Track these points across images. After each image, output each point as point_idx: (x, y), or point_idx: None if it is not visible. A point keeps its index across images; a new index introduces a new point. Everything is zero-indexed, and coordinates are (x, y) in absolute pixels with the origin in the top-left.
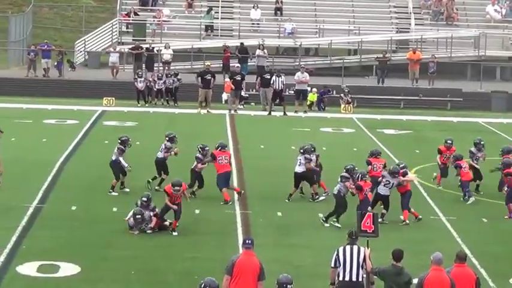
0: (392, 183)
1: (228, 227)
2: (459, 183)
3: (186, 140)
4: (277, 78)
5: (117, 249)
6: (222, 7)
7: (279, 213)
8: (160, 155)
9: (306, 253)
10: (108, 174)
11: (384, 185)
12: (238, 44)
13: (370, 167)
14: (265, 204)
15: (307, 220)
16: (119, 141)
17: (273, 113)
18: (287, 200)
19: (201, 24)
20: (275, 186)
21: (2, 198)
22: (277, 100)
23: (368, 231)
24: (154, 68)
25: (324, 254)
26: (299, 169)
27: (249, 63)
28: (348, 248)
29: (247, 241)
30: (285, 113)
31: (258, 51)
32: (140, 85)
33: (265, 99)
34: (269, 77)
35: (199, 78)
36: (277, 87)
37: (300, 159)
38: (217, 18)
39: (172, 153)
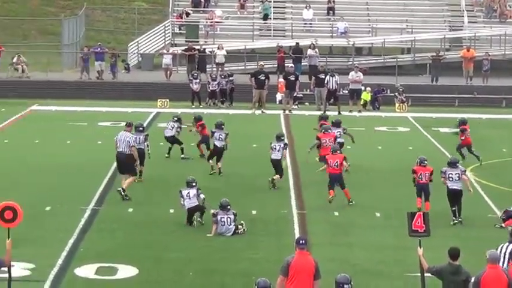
0: (457, 174)
1: (284, 227)
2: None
3: (240, 140)
4: (331, 78)
5: (175, 251)
6: (274, 7)
7: (336, 213)
8: (169, 132)
9: (363, 252)
10: (165, 176)
11: (453, 180)
12: (292, 44)
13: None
14: (321, 204)
15: (364, 219)
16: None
17: (327, 113)
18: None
19: (254, 24)
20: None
21: (59, 201)
22: (332, 100)
23: (419, 230)
24: (207, 69)
25: (382, 252)
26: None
27: (302, 63)
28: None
29: (301, 241)
30: (339, 113)
31: (309, 51)
32: (195, 86)
33: (320, 99)
34: (323, 76)
35: (253, 79)
36: (331, 87)
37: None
38: (270, 18)
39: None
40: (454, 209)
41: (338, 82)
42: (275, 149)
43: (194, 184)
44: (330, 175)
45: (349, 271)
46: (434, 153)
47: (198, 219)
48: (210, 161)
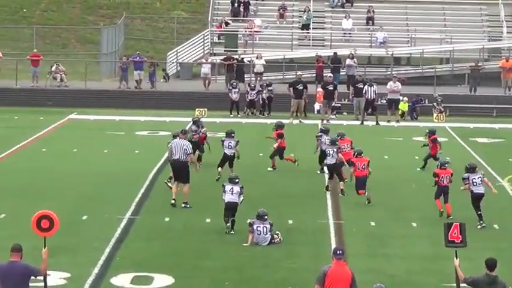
0: (479, 178)
1: (321, 237)
2: None
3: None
4: (369, 87)
5: (211, 260)
6: (313, 17)
7: (372, 223)
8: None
9: (400, 262)
10: (200, 186)
11: (477, 185)
12: (330, 54)
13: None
14: (358, 214)
15: (401, 229)
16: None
17: (365, 123)
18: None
19: (293, 34)
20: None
21: (95, 210)
22: (370, 110)
23: (456, 241)
24: (246, 79)
25: (418, 263)
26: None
27: (340, 73)
28: None
29: (338, 251)
30: (377, 123)
31: (348, 61)
32: (234, 96)
33: (358, 109)
34: (362, 86)
35: (291, 89)
36: (369, 97)
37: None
38: (310, 27)
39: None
40: (480, 213)
41: (376, 92)
42: (231, 146)
43: (237, 181)
44: (358, 178)
45: (386, 282)
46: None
47: (228, 224)
48: (219, 168)
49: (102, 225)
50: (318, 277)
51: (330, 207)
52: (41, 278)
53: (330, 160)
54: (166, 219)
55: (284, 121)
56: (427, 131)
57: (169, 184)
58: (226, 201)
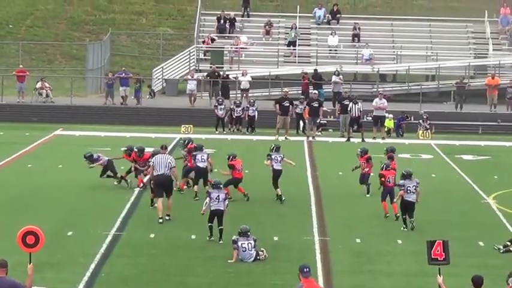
0: (413, 186)
1: (306, 254)
2: None
3: (264, 166)
4: (354, 105)
5: (196, 276)
6: (299, 34)
7: (358, 240)
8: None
9: (385, 279)
10: (187, 202)
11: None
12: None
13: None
14: (343, 231)
15: (386, 246)
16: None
17: (351, 140)
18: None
19: (279, 51)
20: (354, 212)
21: (81, 225)
22: (355, 126)
23: (439, 259)
24: (231, 95)
25: (403, 279)
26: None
27: (325, 90)
28: None
29: (305, 269)
30: (363, 139)
31: (334, 78)
32: (220, 112)
33: (344, 126)
34: (348, 103)
35: (278, 105)
36: (354, 114)
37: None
38: (296, 44)
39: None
40: (405, 217)
41: (361, 109)
42: (203, 159)
43: (221, 186)
44: (386, 189)
45: None
46: (457, 181)
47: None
48: (195, 186)
49: (87, 241)
50: None
51: (316, 224)
52: None
53: (276, 166)
54: (152, 235)
55: (270, 138)
56: (360, 150)
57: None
58: (212, 209)
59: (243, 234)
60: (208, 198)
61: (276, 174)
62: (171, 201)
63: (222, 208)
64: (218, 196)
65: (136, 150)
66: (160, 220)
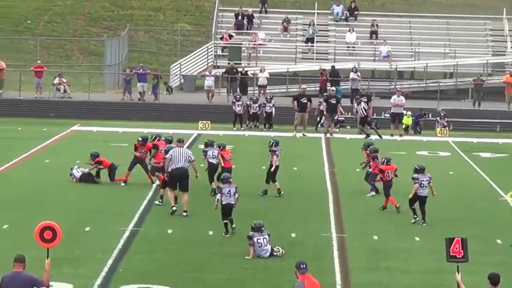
0: (427, 180)
1: (324, 251)
2: None
3: (282, 163)
4: (357, 106)
5: (213, 272)
6: (318, 30)
7: (375, 237)
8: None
9: (401, 276)
10: (204, 199)
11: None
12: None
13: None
14: (361, 228)
15: (403, 243)
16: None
17: (370, 137)
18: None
19: (297, 47)
20: (371, 209)
21: (98, 221)
22: (365, 125)
23: (457, 256)
24: (249, 92)
25: (420, 277)
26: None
27: (343, 87)
28: None
29: (301, 265)
30: (380, 136)
31: (351, 74)
32: (238, 109)
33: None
34: (366, 100)
35: (295, 102)
36: (361, 114)
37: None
38: (314, 41)
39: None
40: (413, 207)
41: (366, 108)
42: (214, 156)
43: (231, 180)
44: (386, 183)
45: None
46: (475, 178)
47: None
48: (213, 183)
49: (105, 237)
50: None
51: (333, 221)
52: None
53: (277, 162)
54: (169, 231)
55: (287, 134)
56: (364, 144)
57: (159, 203)
58: (224, 203)
59: (257, 229)
60: (219, 194)
61: (276, 169)
62: (187, 197)
63: (232, 202)
64: (229, 190)
65: (140, 138)
66: (174, 208)
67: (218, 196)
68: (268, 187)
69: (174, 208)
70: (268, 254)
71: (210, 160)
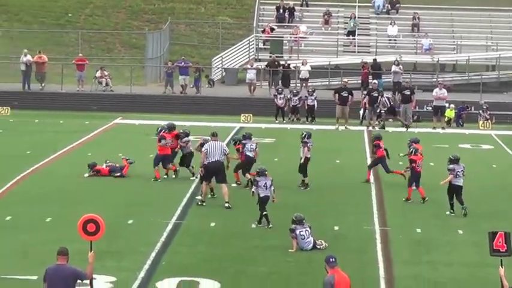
0: (461, 171)
1: (367, 244)
2: None
3: (323, 156)
4: (381, 98)
5: (257, 265)
6: (359, 23)
7: (418, 230)
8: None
9: (445, 269)
10: (245, 192)
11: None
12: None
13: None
14: (404, 221)
15: (447, 237)
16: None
17: (411, 129)
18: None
19: (338, 40)
20: (414, 202)
21: (141, 214)
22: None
23: (501, 250)
24: (291, 85)
25: (463, 270)
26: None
27: (384, 80)
28: None
29: (331, 259)
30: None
31: (393, 67)
32: (280, 102)
33: (405, 115)
34: (409, 93)
35: (336, 95)
36: (387, 104)
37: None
38: (355, 34)
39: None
40: (452, 202)
41: (390, 98)
42: (252, 149)
43: (267, 173)
44: (415, 174)
45: None
46: None
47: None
48: (248, 174)
49: (148, 230)
50: None
51: (376, 214)
52: (87, 281)
53: (308, 154)
54: (212, 224)
55: (329, 127)
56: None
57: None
58: (261, 196)
59: (299, 222)
60: (255, 187)
61: (307, 161)
62: (226, 188)
63: (269, 195)
64: (265, 183)
65: (165, 126)
66: (204, 203)
67: (253, 189)
68: (305, 178)
69: (204, 204)
70: (311, 246)
71: (247, 153)
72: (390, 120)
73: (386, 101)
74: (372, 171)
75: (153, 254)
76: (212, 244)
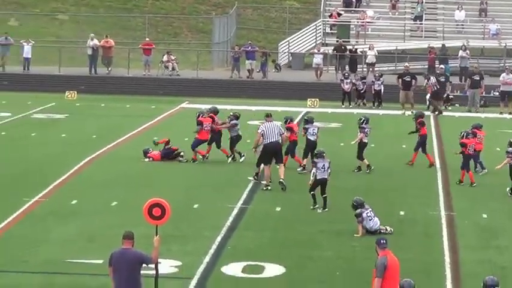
0: None
1: (433, 229)
2: None
3: (390, 141)
4: (428, 81)
5: (322, 250)
6: (426, 8)
7: (484, 215)
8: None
9: None
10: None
11: None
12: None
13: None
14: (470, 206)
15: None
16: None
17: (477, 114)
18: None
19: (405, 25)
20: (480, 187)
21: (206, 198)
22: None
23: None
24: (358, 70)
25: None
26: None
27: (451, 65)
28: None
29: (382, 241)
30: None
31: (460, 52)
32: (346, 86)
33: (473, 100)
34: (478, 78)
35: (400, 80)
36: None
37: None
38: (422, 19)
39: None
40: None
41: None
42: (314, 133)
43: (324, 155)
44: (466, 157)
45: (498, 274)
46: None
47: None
48: (305, 160)
49: (213, 214)
50: (379, 270)
51: (442, 199)
52: (153, 265)
53: (365, 139)
54: (278, 208)
55: (396, 112)
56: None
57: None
58: (318, 178)
59: (361, 205)
60: (314, 168)
61: (364, 146)
62: (283, 168)
63: (326, 177)
64: (324, 165)
65: (204, 111)
66: (269, 187)
67: (313, 170)
68: (361, 164)
69: (269, 188)
70: (378, 225)
71: (309, 137)
72: (457, 105)
73: (433, 83)
74: (439, 157)
75: (219, 239)
76: (277, 229)
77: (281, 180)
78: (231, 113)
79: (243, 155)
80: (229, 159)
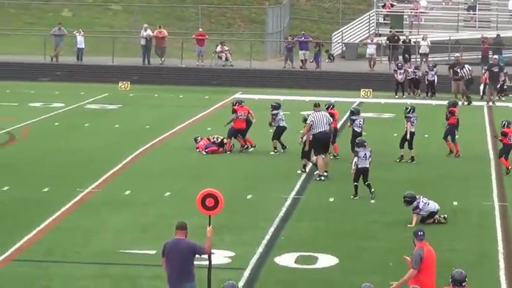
0: None
1: (486, 219)
2: None
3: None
4: (460, 70)
5: (375, 241)
6: None
7: None
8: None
9: None
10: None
11: None
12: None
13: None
14: None
15: None
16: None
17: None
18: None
19: (459, 15)
20: None
21: (260, 189)
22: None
23: None
24: (412, 60)
25: None
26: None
27: (505, 55)
28: None
29: (419, 233)
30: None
31: None
32: (400, 77)
33: None
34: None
35: (451, 70)
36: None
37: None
38: (476, 9)
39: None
40: None
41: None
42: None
43: (366, 144)
44: (506, 146)
45: None
46: None
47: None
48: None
49: (266, 205)
50: (415, 261)
51: (495, 190)
52: (206, 256)
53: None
54: (331, 199)
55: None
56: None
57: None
58: (360, 167)
59: (413, 198)
60: (356, 158)
61: (412, 136)
62: (328, 158)
63: (367, 166)
64: (365, 154)
65: (237, 102)
66: (322, 178)
67: (355, 159)
68: (402, 152)
69: (322, 178)
70: (436, 207)
71: (355, 128)
72: (511, 95)
73: (467, 72)
74: (493, 148)
75: (272, 229)
76: (331, 219)
77: (325, 171)
78: (273, 103)
79: (283, 149)
80: (251, 148)
